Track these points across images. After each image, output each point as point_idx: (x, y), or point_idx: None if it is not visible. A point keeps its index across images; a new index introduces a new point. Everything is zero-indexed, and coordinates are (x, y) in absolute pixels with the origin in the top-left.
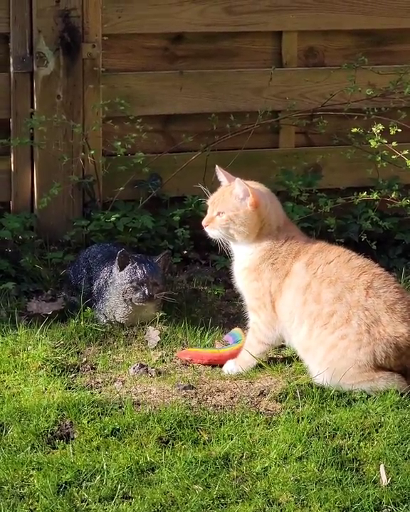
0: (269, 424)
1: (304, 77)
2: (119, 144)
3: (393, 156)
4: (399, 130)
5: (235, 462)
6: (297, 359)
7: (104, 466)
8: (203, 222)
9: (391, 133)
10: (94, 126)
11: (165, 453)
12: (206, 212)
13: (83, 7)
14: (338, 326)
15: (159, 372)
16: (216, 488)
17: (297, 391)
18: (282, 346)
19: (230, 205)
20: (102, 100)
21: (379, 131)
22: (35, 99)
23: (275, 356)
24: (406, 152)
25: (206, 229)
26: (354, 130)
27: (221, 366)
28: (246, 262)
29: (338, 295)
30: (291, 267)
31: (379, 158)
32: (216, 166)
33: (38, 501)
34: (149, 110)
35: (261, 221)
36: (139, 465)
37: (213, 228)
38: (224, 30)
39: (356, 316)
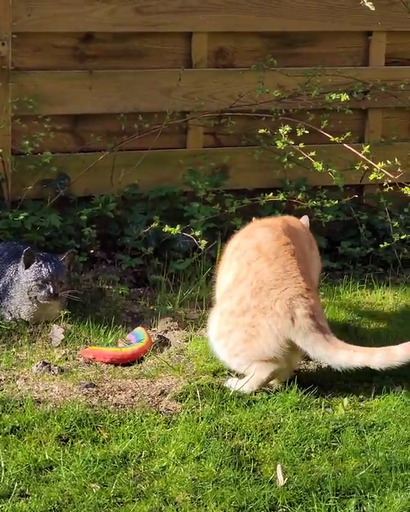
0: (168, 424)
1: (213, 78)
2: (27, 142)
3: (300, 158)
4: (307, 132)
5: (134, 461)
6: (199, 356)
7: (2, 464)
8: None
9: (298, 134)
10: (2, 124)
11: (64, 451)
12: (112, 212)
13: None
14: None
15: (62, 370)
16: (113, 487)
17: (198, 391)
18: (182, 350)
19: None
20: (11, 99)
21: (286, 132)
22: None
23: (177, 356)
24: (313, 153)
25: None
26: (262, 131)
27: (123, 365)
28: None
29: None
30: None
31: (286, 159)
32: None
33: None
34: (58, 109)
35: None
36: (38, 463)
37: None
38: (134, 31)
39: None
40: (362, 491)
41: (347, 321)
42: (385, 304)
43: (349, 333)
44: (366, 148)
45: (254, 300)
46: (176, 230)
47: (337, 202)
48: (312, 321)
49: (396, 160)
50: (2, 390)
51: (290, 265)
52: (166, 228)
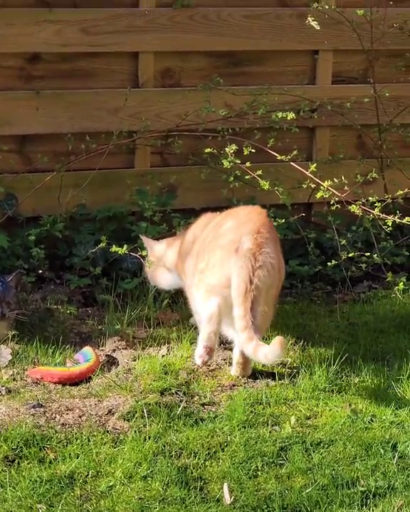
0: (116, 443)
1: (160, 98)
2: None
3: (247, 177)
4: (253, 150)
5: (80, 481)
6: (146, 375)
7: None
8: None
9: (245, 153)
10: None
11: (10, 472)
12: (60, 232)
13: None
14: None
15: (9, 391)
16: (60, 508)
17: (145, 410)
18: (130, 369)
19: None
20: None
21: (232, 151)
22: None
23: (125, 375)
24: (259, 172)
25: None
26: (208, 150)
27: (71, 384)
28: None
29: None
30: None
31: (232, 178)
32: None
33: None
34: (4, 130)
35: None
36: None
37: None
38: (81, 51)
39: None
40: (309, 509)
41: (295, 339)
42: (333, 322)
43: (295, 352)
44: (312, 167)
45: (212, 242)
46: (123, 249)
47: (284, 220)
48: (252, 258)
49: (343, 178)
50: None
51: (254, 218)
52: (114, 248)
